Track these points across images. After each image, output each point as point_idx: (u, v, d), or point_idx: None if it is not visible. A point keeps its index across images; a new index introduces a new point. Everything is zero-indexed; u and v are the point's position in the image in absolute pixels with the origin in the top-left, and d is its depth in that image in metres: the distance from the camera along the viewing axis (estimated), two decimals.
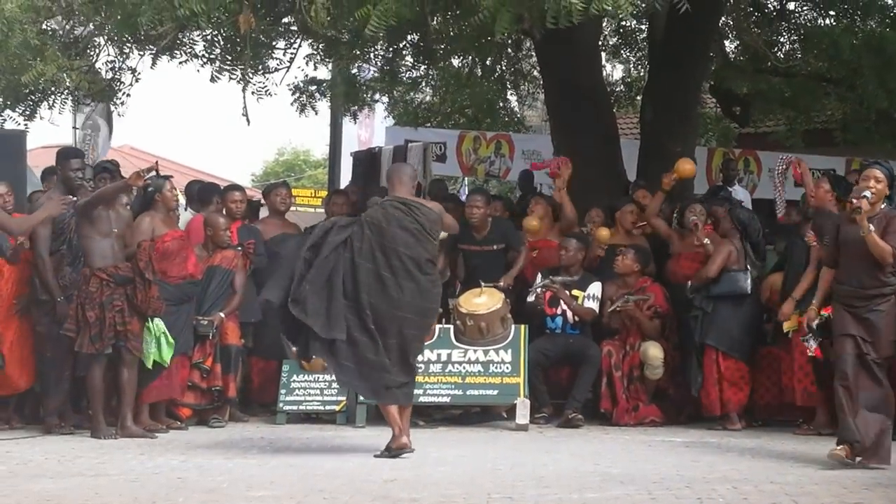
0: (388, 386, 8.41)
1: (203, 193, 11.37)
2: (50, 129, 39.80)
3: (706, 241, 10.63)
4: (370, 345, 8.36)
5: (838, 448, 7.80)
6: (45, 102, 12.99)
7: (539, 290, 10.75)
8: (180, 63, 13.60)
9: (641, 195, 11.98)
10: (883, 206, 7.95)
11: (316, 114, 16.52)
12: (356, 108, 17.51)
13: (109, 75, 13.27)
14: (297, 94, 16.24)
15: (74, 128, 15.81)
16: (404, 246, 8.43)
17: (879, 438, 7.81)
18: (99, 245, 9.42)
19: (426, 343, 9.28)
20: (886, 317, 7.88)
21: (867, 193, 7.85)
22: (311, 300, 8.38)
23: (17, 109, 12.90)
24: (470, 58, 16.87)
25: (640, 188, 12.33)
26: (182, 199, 11.48)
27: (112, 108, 13.99)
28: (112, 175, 9.68)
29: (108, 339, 9.30)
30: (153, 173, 9.89)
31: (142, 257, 9.49)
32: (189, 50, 13.44)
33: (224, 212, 10.97)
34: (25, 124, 12.94)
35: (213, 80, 13.50)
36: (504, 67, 17.99)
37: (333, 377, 10.32)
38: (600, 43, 16.66)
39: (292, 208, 12.42)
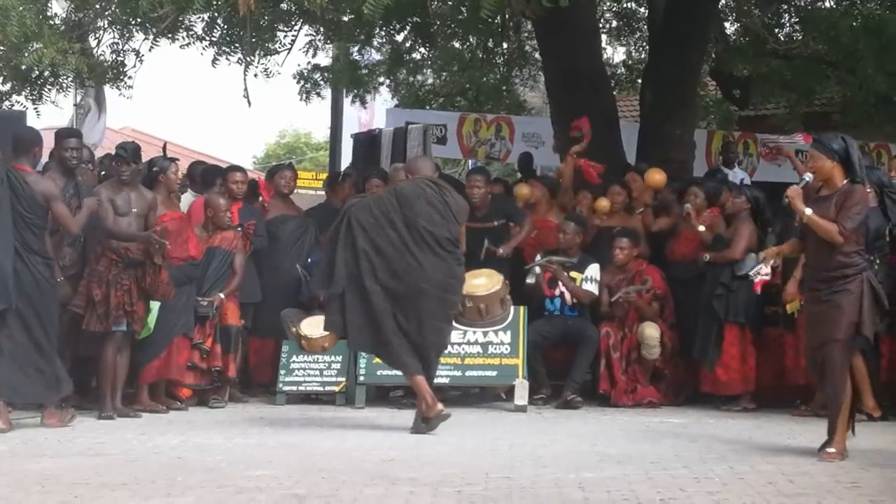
0: (399, 357, 8.57)
1: (207, 175, 11.40)
2: (51, 111, 39.84)
3: (701, 228, 10.64)
4: (388, 313, 8.51)
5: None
6: (52, 86, 13.02)
7: (537, 268, 10.78)
8: (181, 46, 13.61)
9: (632, 178, 12.02)
10: (844, 183, 7.54)
11: (321, 99, 16.57)
12: (361, 92, 17.51)
13: (112, 58, 13.28)
14: (302, 83, 16.25)
15: (75, 105, 15.84)
16: (427, 221, 8.59)
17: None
18: (116, 224, 9.44)
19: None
20: (850, 297, 7.43)
21: (807, 176, 7.70)
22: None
23: (23, 94, 12.93)
24: (471, 40, 16.87)
25: (639, 171, 12.35)
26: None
27: (117, 90, 13.99)
28: (126, 161, 9.61)
29: (118, 318, 9.33)
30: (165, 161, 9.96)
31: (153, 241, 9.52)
32: (190, 33, 13.45)
33: (225, 193, 10.98)
34: (36, 109, 12.99)
35: (213, 63, 13.53)
36: (505, 50, 17.98)
37: (332, 358, 10.43)
38: (600, 25, 16.65)
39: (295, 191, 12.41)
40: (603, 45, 17.26)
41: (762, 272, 8.21)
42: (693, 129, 15.22)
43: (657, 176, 11.79)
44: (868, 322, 7.49)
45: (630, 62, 19.11)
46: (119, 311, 9.35)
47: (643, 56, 18.09)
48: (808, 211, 7.45)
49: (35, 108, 12.97)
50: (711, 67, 17.62)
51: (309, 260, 11.15)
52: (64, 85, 13.20)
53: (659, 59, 14.84)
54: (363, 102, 18.89)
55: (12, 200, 8.71)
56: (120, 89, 13.71)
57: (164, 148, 10.58)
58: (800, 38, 16.54)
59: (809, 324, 7.74)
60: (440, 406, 8.54)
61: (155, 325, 9.73)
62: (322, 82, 16.44)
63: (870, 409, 9.52)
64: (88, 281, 9.38)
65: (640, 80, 17.10)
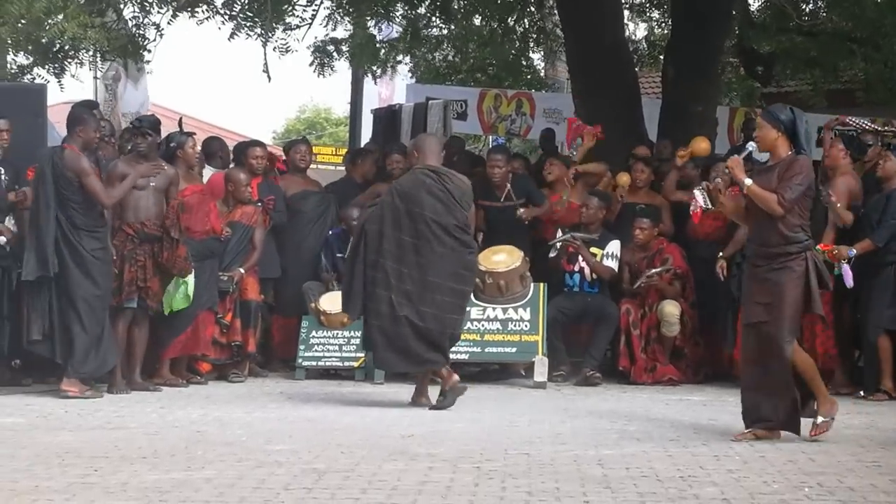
0: (421, 357, 8.58)
1: (234, 152, 11.37)
2: (73, 85, 39.89)
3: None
4: (390, 316, 8.46)
5: (746, 431, 7.27)
6: (74, 60, 13.01)
7: (559, 244, 10.76)
8: (199, 22, 13.58)
9: (663, 146, 11.96)
10: (789, 154, 7.26)
11: (334, 71, 16.48)
12: (379, 68, 17.44)
13: (133, 31, 13.25)
14: (317, 55, 16.18)
15: (95, 78, 15.82)
16: (432, 212, 8.50)
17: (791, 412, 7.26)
18: (132, 198, 9.44)
19: None
20: (792, 276, 7.14)
21: (750, 145, 7.53)
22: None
23: (45, 67, 12.93)
24: (492, 16, 16.79)
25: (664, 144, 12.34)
26: None
27: (136, 65, 13.98)
28: (142, 133, 9.61)
29: (130, 293, 9.34)
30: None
31: (169, 215, 9.52)
32: (210, 7, 13.42)
33: (245, 168, 10.96)
34: (60, 83, 12.98)
35: (231, 37, 13.49)
36: (527, 26, 17.90)
37: (352, 334, 10.43)
38: (623, 1, 16.55)
39: (312, 166, 12.38)
40: (625, 20, 17.15)
41: (699, 202, 7.74)
42: (715, 105, 15.13)
43: (703, 144, 11.65)
44: (816, 301, 7.24)
45: (652, 38, 19.00)
46: (132, 286, 9.35)
47: (666, 32, 17.99)
48: (749, 181, 7.20)
49: (59, 82, 12.98)
50: (734, 44, 17.50)
51: (331, 232, 11.14)
52: (83, 59, 13.18)
53: (682, 35, 14.74)
54: (374, 78, 18.81)
55: (54, 178, 9.01)
56: (138, 63, 13.69)
57: (180, 123, 10.56)
58: (824, 14, 16.41)
59: (746, 300, 7.39)
60: (455, 377, 8.61)
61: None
62: (336, 55, 16.36)
63: (889, 389, 9.49)
64: None
65: (662, 57, 17.01)
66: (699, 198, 7.66)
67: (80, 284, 9.04)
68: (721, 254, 10.40)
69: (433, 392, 8.75)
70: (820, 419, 7.26)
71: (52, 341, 9.07)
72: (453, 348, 10.15)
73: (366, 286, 8.53)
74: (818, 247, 9.56)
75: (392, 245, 8.50)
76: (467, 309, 10.34)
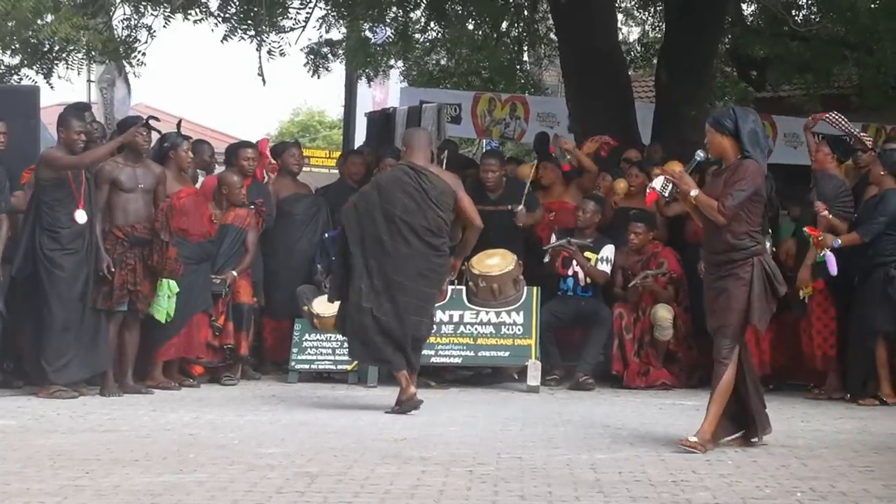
0: (381, 353, 8.57)
1: (226, 154, 11.34)
2: (65, 87, 39.80)
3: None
4: (356, 305, 8.48)
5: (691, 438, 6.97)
6: (63, 62, 12.99)
7: (555, 247, 10.75)
8: (195, 22, 13.56)
9: (653, 150, 11.99)
10: (737, 158, 7.05)
11: (329, 71, 16.47)
12: (373, 71, 17.44)
13: (125, 33, 13.23)
14: (311, 56, 16.17)
15: (89, 81, 15.79)
16: (403, 211, 8.47)
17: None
18: (121, 200, 9.42)
19: (438, 304, 9.26)
20: (738, 283, 6.92)
21: (699, 154, 7.19)
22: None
23: (34, 68, 12.90)
24: (486, 20, 16.80)
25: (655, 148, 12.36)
26: None
27: (128, 66, 13.96)
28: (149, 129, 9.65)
29: (121, 297, 9.32)
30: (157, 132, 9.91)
31: (159, 218, 9.50)
32: (204, 9, 13.41)
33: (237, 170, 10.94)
34: (49, 83, 12.95)
35: (224, 40, 13.49)
36: (520, 29, 17.91)
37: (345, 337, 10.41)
38: (616, 4, 16.57)
39: (305, 168, 12.36)
40: (619, 23, 17.17)
41: (656, 186, 7.42)
42: (709, 109, 15.14)
43: (621, 184, 11.68)
44: (757, 310, 6.95)
45: (646, 41, 19.02)
46: (122, 290, 9.33)
47: (659, 35, 18.01)
48: (694, 192, 7.02)
49: (48, 83, 12.95)
50: (728, 48, 17.53)
51: (326, 235, 11.12)
52: (73, 61, 13.14)
53: (675, 38, 14.77)
54: (369, 80, 18.81)
55: (35, 181, 9.16)
56: (132, 65, 13.67)
57: (179, 125, 10.55)
58: (818, 19, 16.43)
59: (705, 307, 7.19)
60: (413, 390, 8.52)
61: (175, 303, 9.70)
62: (330, 56, 16.35)
63: (885, 395, 9.49)
64: (95, 259, 9.33)
65: (655, 60, 17.03)
66: (657, 184, 7.23)
67: (44, 285, 9.07)
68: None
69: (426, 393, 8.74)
70: (694, 439, 6.93)
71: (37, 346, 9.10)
72: (446, 352, 10.18)
73: (346, 273, 8.57)
74: (805, 229, 9.65)
75: (367, 238, 8.51)
76: (460, 313, 10.40)
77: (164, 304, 9.63)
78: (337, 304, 9.48)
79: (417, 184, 8.52)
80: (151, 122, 9.76)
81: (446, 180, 8.70)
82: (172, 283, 9.66)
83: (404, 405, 8.45)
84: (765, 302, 7.02)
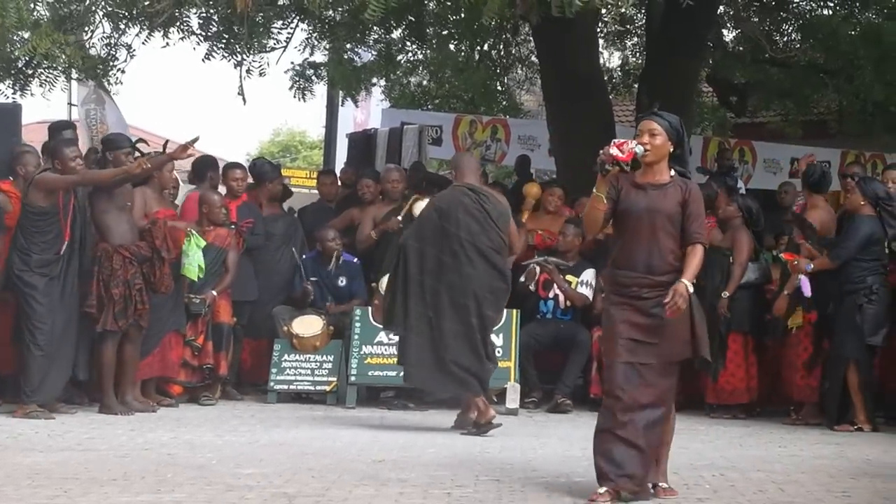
0: (449, 374, 8.55)
1: (199, 167, 11.23)
2: (47, 105, 39.73)
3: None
4: (428, 334, 8.48)
5: (601, 490, 6.19)
6: (37, 79, 12.91)
7: (537, 268, 10.75)
8: (174, 43, 13.52)
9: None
10: (673, 174, 6.43)
11: (314, 96, 16.48)
12: (355, 91, 17.44)
13: (104, 52, 13.19)
14: (297, 79, 16.18)
15: (69, 104, 15.69)
16: (467, 232, 8.52)
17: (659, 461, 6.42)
18: (116, 220, 9.40)
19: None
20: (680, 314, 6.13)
21: (638, 149, 6.35)
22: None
23: (6, 83, 12.83)
24: (466, 42, 16.84)
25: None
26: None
27: (106, 85, 13.91)
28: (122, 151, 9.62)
29: (131, 316, 9.31)
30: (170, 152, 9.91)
31: (157, 235, 9.49)
32: (185, 27, 13.37)
33: (225, 190, 10.94)
34: (19, 98, 12.87)
35: (205, 59, 13.45)
36: (501, 52, 17.96)
37: (324, 358, 10.42)
38: (598, 30, 16.63)
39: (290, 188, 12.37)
40: (600, 48, 17.24)
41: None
42: (689, 135, 15.19)
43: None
44: (704, 340, 6.29)
45: (627, 67, 19.09)
46: (131, 310, 9.32)
47: (640, 61, 18.08)
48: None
49: (20, 97, 12.88)
50: (708, 74, 17.61)
51: (304, 257, 11.11)
52: (48, 78, 13.06)
53: (656, 64, 14.83)
54: (354, 101, 18.82)
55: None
56: (109, 83, 13.63)
57: (165, 146, 10.48)
58: (798, 46, 16.54)
59: (623, 334, 6.24)
60: (492, 413, 8.59)
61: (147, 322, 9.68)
62: (315, 79, 16.35)
63: (861, 422, 9.50)
64: (104, 280, 9.26)
65: (636, 85, 17.10)
66: (639, 149, 6.43)
67: (20, 305, 9.08)
68: (725, 293, 10.17)
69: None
70: (665, 485, 6.37)
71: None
72: None
73: (406, 302, 8.53)
74: (781, 255, 9.75)
75: (432, 262, 8.53)
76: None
77: (196, 259, 9.68)
78: (317, 324, 9.52)
79: (479, 205, 8.59)
80: (140, 145, 9.77)
81: (502, 201, 8.83)
82: (198, 237, 9.75)
83: (482, 427, 8.50)
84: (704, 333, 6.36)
